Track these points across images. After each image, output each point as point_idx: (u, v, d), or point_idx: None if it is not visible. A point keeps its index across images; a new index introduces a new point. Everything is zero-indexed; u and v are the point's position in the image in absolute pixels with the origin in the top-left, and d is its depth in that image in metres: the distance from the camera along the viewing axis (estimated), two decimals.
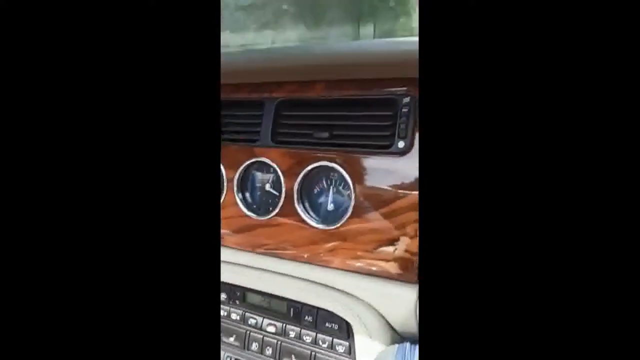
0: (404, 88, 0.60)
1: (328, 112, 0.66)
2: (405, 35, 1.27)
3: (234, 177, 0.72)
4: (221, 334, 0.73)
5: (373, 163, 0.61)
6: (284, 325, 0.68)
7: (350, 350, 0.63)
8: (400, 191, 0.59)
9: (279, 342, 0.68)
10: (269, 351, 0.69)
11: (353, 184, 0.62)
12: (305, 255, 0.66)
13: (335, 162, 0.63)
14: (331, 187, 0.66)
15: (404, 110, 0.59)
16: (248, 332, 0.72)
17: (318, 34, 1.37)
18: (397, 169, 0.59)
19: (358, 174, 0.62)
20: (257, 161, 0.70)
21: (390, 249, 0.60)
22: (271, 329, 0.69)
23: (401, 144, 0.59)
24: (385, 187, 0.60)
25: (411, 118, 0.59)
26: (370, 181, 0.61)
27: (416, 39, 0.76)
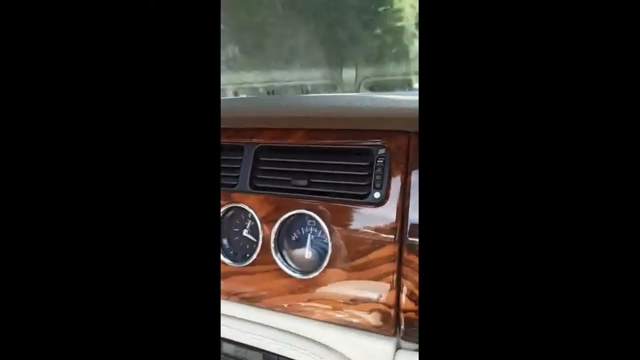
0: (379, 140, 0.62)
1: (306, 160, 0.67)
2: (387, 77, 1.28)
3: None
4: None
5: (350, 213, 0.62)
6: None
7: None
8: (376, 242, 0.59)
9: None
10: None
11: (330, 233, 0.62)
12: (285, 305, 0.65)
13: (313, 210, 0.63)
14: (309, 235, 0.66)
15: (379, 161, 0.61)
16: None
17: (299, 76, 1.30)
18: (373, 220, 0.60)
19: (335, 223, 0.62)
20: (234, 206, 0.70)
21: (367, 300, 0.59)
22: None
23: (377, 195, 0.60)
24: (362, 238, 0.60)
25: (386, 169, 0.60)
26: (347, 231, 0.61)
27: (392, 95, 0.78)
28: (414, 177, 0.59)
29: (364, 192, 0.61)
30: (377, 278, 0.58)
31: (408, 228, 0.57)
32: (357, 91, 1.33)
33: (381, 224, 0.59)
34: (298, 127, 0.69)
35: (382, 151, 0.61)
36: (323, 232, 0.63)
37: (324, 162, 0.65)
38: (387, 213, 0.59)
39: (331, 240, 0.62)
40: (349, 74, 1.30)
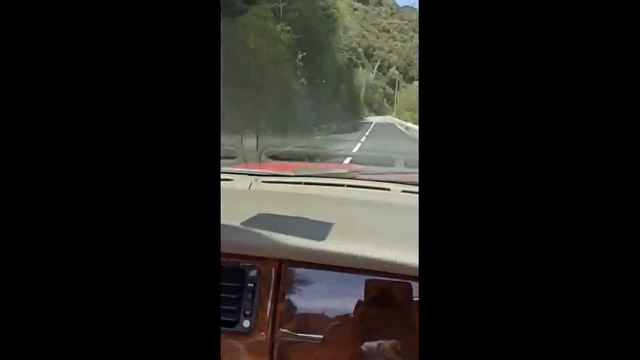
0: (251, 261, 0.58)
1: None
2: (288, 147, 1.27)
3: None
4: None
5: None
6: None
7: None
8: None
9: None
10: None
11: None
12: None
13: None
14: None
15: (250, 285, 0.57)
16: None
17: None
18: (242, 353, 0.55)
19: None
20: None
21: None
22: None
23: (246, 323, 0.55)
24: None
25: (257, 294, 0.56)
26: None
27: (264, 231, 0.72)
28: (286, 304, 0.55)
29: (234, 319, 0.56)
30: None
31: None
32: (258, 158, 1.30)
33: (249, 359, 0.54)
34: None
35: (253, 273, 0.57)
36: None
37: None
38: (256, 346, 0.54)
39: None
40: (250, 142, 1.27)
